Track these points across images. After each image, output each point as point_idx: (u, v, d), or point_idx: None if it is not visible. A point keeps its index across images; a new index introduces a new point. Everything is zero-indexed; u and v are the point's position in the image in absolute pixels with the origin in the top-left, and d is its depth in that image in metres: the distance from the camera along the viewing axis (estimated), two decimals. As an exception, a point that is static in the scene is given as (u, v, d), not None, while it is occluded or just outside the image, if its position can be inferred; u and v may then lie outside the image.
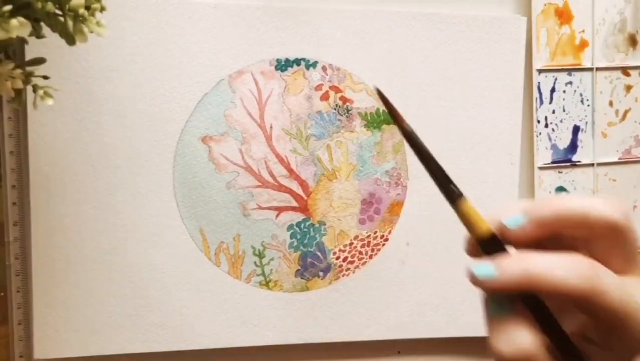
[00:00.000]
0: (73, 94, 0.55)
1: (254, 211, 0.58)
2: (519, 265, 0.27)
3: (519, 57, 0.62)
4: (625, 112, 0.66)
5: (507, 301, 0.28)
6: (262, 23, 0.57)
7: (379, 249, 0.61)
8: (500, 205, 0.67)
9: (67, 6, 0.41)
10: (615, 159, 0.66)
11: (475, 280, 0.28)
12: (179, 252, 0.57)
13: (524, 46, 0.62)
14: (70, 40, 0.42)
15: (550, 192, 0.64)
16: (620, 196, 0.66)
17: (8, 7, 0.39)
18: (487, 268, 0.28)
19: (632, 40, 0.66)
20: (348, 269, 0.60)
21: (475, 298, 0.68)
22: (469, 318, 0.62)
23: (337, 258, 0.60)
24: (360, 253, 0.60)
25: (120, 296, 0.57)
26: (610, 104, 0.66)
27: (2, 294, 0.56)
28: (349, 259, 0.60)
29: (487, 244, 0.29)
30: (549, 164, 0.64)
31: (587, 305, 0.27)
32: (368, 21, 0.59)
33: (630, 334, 0.28)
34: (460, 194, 0.29)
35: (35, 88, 0.44)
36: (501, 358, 0.28)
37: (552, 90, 0.64)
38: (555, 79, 0.64)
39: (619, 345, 0.29)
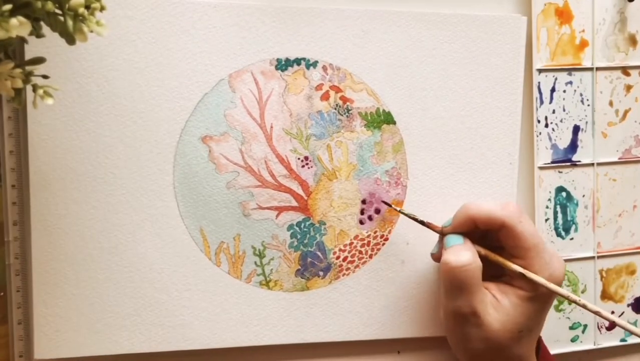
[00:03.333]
0: (73, 94, 0.55)
1: (254, 211, 0.58)
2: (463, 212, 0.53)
3: (519, 57, 0.62)
4: (625, 112, 0.66)
5: (456, 237, 0.54)
6: (262, 23, 0.57)
7: (379, 249, 0.61)
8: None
9: (66, 5, 0.41)
10: (615, 159, 0.66)
11: (441, 230, 0.56)
12: (179, 252, 0.57)
13: (524, 46, 0.62)
14: (70, 40, 0.42)
15: (550, 192, 0.64)
16: (620, 196, 0.66)
17: (8, 7, 0.39)
18: (448, 221, 0.56)
19: (632, 40, 0.66)
20: (348, 268, 0.60)
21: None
22: (469, 318, 0.62)
23: (337, 258, 0.60)
24: (360, 252, 0.60)
25: (120, 296, 0.57)
26: (610, 104, 0.66)
27: (2, 294, 0.56)
28: (349, 259, 0.60)
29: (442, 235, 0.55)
30: (549, 164, 0.64)
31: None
32: (368, 21, 0.59)
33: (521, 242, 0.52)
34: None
35: (35, 87, 0.44)
36: (448, 266, 0.51)
37: (552, 90, 0.64)
38: (556, 79, 0.64)
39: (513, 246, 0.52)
